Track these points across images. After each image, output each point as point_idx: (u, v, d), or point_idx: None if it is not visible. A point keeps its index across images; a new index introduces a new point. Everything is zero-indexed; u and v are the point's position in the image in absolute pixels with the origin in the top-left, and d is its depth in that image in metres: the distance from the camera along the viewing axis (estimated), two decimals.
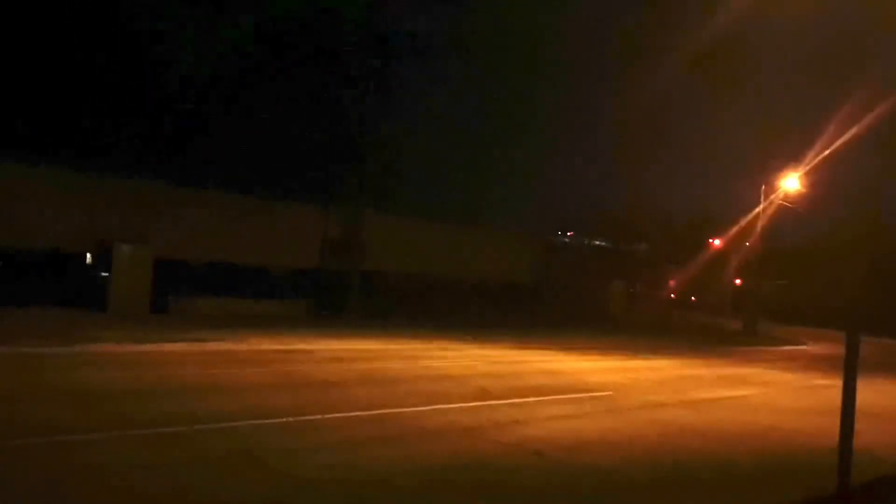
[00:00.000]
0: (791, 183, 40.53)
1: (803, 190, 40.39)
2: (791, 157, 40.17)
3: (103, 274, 23.64)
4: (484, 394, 12.78)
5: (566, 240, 54.34)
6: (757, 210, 41.27)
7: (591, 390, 14.29)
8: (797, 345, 36.71)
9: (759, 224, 41.18)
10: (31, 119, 24.37)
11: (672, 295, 56.89)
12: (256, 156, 28.45)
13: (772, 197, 40.94)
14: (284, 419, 9.62)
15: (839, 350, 8.35)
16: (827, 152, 35.78)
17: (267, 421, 9.46)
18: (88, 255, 24.49)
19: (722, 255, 55.79)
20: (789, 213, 41.61)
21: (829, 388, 15.11)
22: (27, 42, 24.32)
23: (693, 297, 61.57)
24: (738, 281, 58.42)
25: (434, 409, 11.01)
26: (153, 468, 7.27)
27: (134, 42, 25.73)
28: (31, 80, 24.27)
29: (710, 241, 58.06)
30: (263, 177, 28.21)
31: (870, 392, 11.83)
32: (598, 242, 57.03)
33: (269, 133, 28.49)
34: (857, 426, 7.67)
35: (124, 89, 25.83)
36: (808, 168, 38.64)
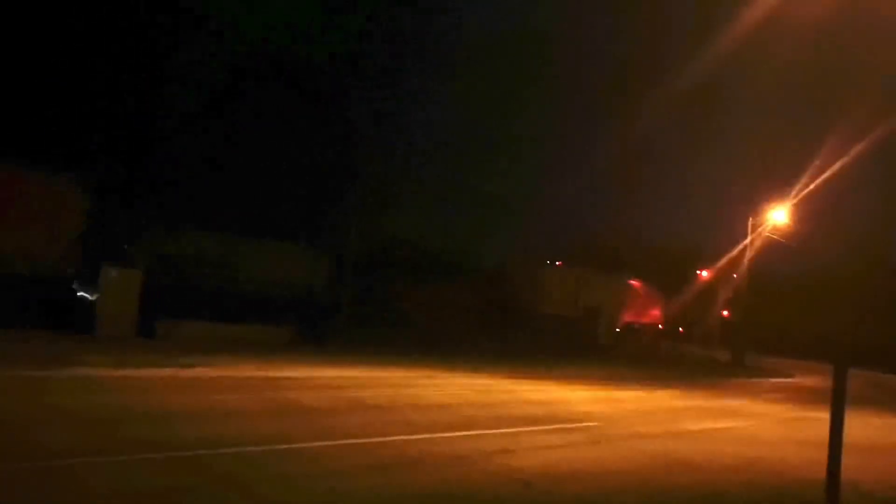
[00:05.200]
0: (779, 216, 40.81)
1: (791, 223, 40.69)
2: (779, 190, 40.52)
3: (90, 297, 23.45)
4: (471, 423, 12.71)
5: (555, 269, 54.33)
6: (745, 242, 41.50)
7: (580, 420, 14.24)
8: (785, 377, 36.75)
9: (747, 256, 41.39)
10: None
11: (660, 326, 56.93)
12: (240, 193, 28.25)
13: (759, 229, 41.19)
14: (272, 446, 9.54)
15: (827, 382, 8.36)
16: (813, 185, 36.14)
17: (255, 448, 9.38)
18: (74, 279, 24.34)
19: (711, 286, 55.97)
20: (777, 245, 41.87)
21: (817, 420, 15.10)
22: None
23: (681, 329, 61.62)
24: (725, 313, 58.57)
25: (421, 438, 10.94)
26: (140, 494, 7.19)
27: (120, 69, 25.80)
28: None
29: (699, 272, 58.26)
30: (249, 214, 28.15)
31: (857, 425, 11.83)
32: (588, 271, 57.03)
33: (252, 167, 28.42)
34: (845, 459, 7.68)
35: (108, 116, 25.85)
36: (795, 200, 38.97)
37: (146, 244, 25.59)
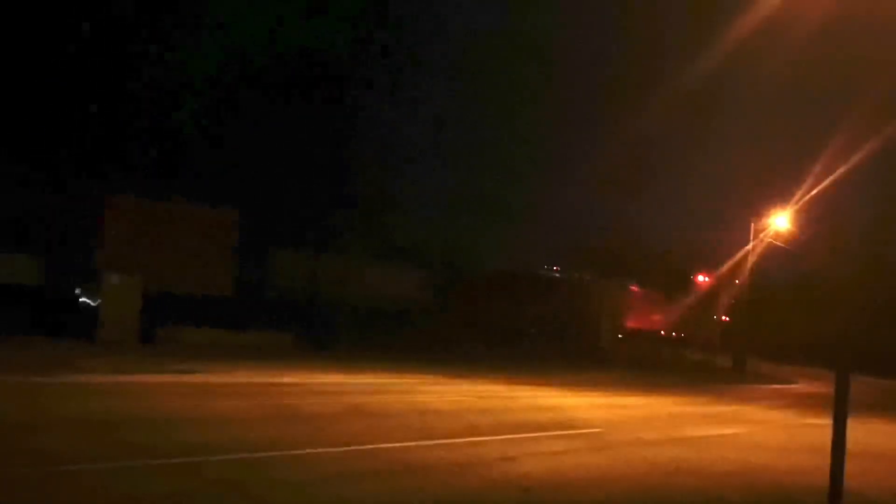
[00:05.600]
0: (781, 221, 40.76)
1: (793, 229, 40.64)
2: (781, 195, 40.47)
3: (91, 303, 23.49)
4: (472, 429, 12.68)
5: (555, 274, 54.37)
6: (747, 248, 41.43)
7: (581, 426, 14.20)
8: (787, 383, 36.68)
9: (749, 262, 41.33)
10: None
11: (662, 331, 56.87)
12: (244, 193, 28.41)
13: (761, 235, 41.14)
14: (274, 452, 9.53)
15: (829, 389, 8.34)
16: (816, 191, 36.11)
17: (257, 454, 9.36)
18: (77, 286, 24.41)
19: (712, 291, 55.87)
20: (779, 251, 41.83)
21: (819, 427, 15.05)
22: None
23: (683, 334, 61.56)
24: (725, 318, 58.49)
25: (422, 445, 10.92)
26: (141, 500, 7.18)
27: (123, 62, 25.86)
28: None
29: (700, 277, 58.19)
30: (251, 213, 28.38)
31: (860, 431, 11.79)
32: (587, 277, 57.03)
33: (256, 164, 28.55)
34: (847, 466, 7.64)
35: (113, 111, 25.93)
36: (797, 206, 38.93)
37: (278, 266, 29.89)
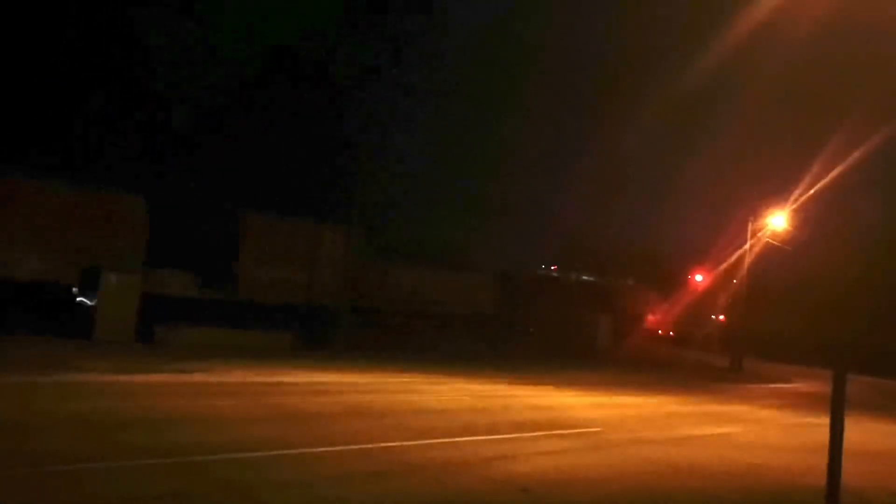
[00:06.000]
0: (778, 221, 40.81)
1: (790, 228, 40.69)
2: (778, 195, 40.52)
3: (88, 302, 23.43)
4: (471, 428, 12.69)
5: (553, 274, 54.46)
6: (744, 248, 41.46)
7: (579, 426, 14.22)
8: (785, 382, 36.69)
9: (746, 261, 41.36)
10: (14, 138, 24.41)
11: (659, 331, 56.93)
12: (246, 188, 28.56)
13: (759, 235, 41.17)
14: (273, 452, 9.53)
15: (826, 388, 8.36)
16: (813, 190, 36.18)
17: (256, 454, 9.37)
18: (74, 285, 24.34)
19: (710, 291, 55.93)
20: (777, 250, 41.85)
21: (816, 426, 15.08)
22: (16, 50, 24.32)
23: (679, 333, 61.62)
24: (721, 317, 58.56)
25: (421, 444, 10.93)
26: (138, 500, 7.18)
27: (127, 58, 25.88)
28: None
29: (697, 276, 58.27)
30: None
31: (858, 431, 11.83)
32: (584, 277, 57.10)
33: (257, 165, 28.65)
34: (845, 466, 7.66)
35: (114, 106, 25.97)
36: (795, 206, 38.99)
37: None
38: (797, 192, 37.77)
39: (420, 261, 35.92)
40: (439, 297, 34.98)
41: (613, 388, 23.07)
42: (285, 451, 9.65)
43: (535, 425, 13.77)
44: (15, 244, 23.26)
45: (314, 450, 9.95)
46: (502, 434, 12.45)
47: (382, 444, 10.60)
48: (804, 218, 39.93)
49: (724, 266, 47.06)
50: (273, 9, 27.64)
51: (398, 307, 32.99)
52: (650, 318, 55.96)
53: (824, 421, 8.17)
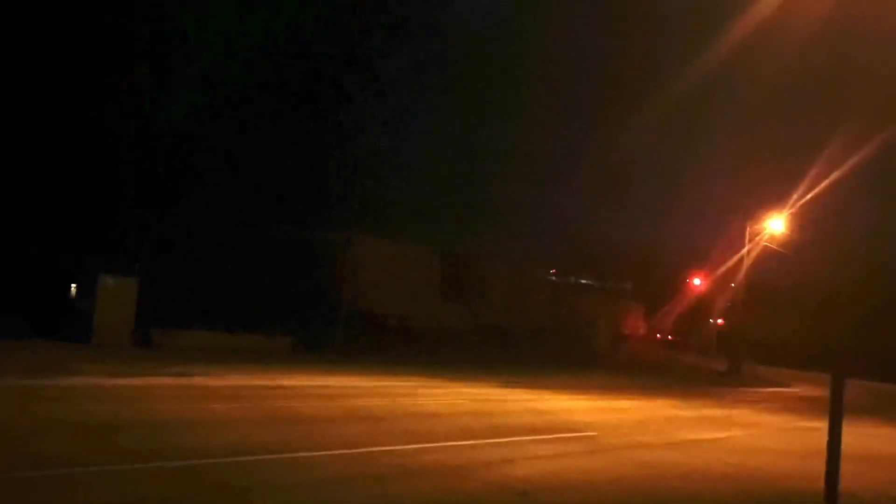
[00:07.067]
0: (776, 225, 40.85)
1: (788, 232, 40.74)
2: (776, 199, 40.57)
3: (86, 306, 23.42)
4: (470, 432, 12.69)
5: (551, 278, 54.43)
6: (742, 252, 41.50)
7: (577, 430, 14.21)
8: (782, 386, 36.72)
9: (744, 265, 41.40)
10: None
11: (657, 334, 56.94)
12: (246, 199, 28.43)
13: (757, 238, 41.22)
14: (272, 456, 9.52)
15: (824, 392, 8.36)
16: (811, 195, 36.21)
17: (254, 457, 9.35)
18: (72, 287, 24.33)
19: (708, 295, 55.97)
20: (775, 254, 41.90)
21: (814, 430, 15.09)
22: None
23: (677, 337, 61.63)
24: (720, 321, 58.58)
25: (419, 448, 10.91)
26: None
27: (127, 85, 25.87)
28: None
29: (694, 281, 58.28)
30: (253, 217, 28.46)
31: (855, 435, 11.83)
32: (583, 281, 57.18)
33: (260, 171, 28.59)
34: (843, 469, 7.66)
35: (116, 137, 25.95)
36: (793, 210, 39.03)
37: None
38: (795, 196, 37.83)
39: None
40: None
41: (611, 392, 23.08)
42: (284, 455, 9.64)
43: (534, 429, 13.76)
44: None
45: (313, 453, 9.95)
46: (501, 438, 12.44)
47: (381, 448, 10.59)
48: (802, 222, 39.99)
49: (722, 270, 47.11)
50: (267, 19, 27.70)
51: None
52: (648, 321, 55.97)
53: (822, 425, 8.19)
